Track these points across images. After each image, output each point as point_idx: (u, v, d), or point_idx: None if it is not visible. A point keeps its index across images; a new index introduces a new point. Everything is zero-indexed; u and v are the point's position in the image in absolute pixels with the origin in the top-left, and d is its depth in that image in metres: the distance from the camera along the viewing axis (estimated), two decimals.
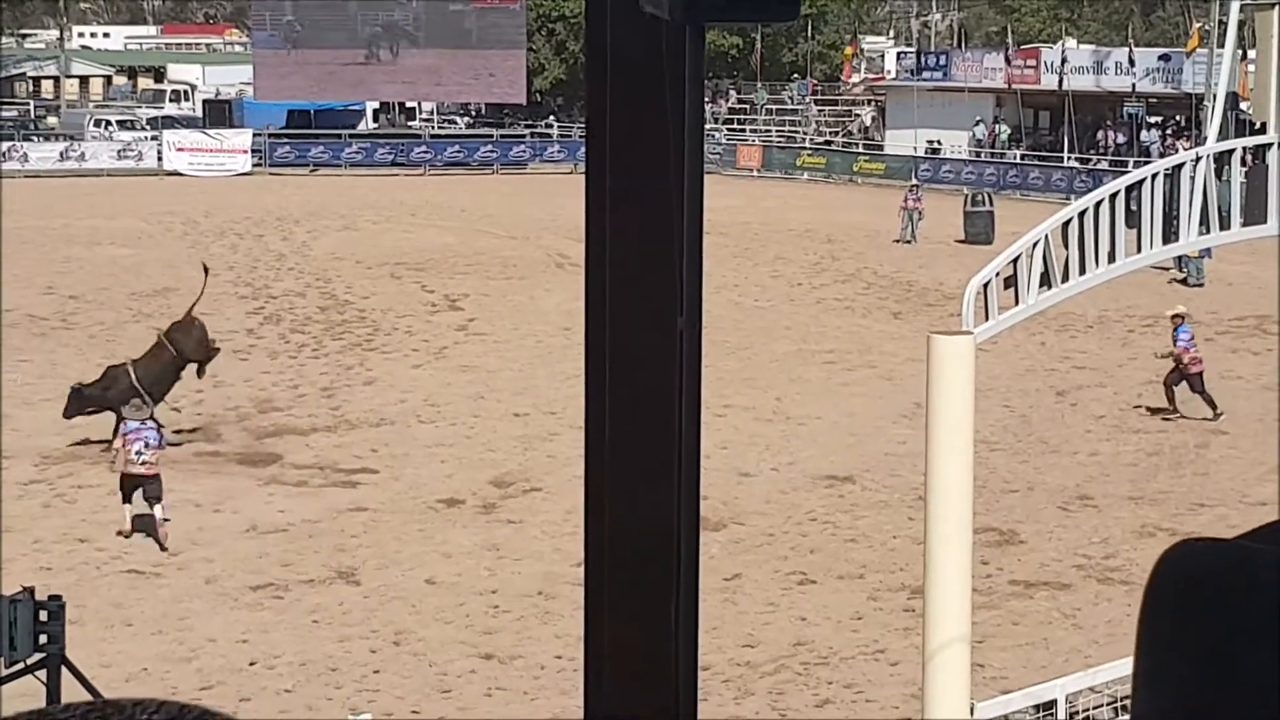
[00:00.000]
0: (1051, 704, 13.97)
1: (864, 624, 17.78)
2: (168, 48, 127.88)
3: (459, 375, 29.28)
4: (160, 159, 65.41)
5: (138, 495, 20.32)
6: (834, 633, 17.51)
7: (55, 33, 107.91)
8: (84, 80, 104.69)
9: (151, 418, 21.41)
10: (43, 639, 4.82)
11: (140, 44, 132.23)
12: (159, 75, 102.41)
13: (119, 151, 66.38)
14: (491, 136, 72.48)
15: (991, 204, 48.40)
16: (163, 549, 19.80)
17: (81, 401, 23.99)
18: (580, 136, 72.46)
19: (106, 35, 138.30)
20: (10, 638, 4.86)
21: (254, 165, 65.76)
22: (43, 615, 4.88)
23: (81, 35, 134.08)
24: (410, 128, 75.27)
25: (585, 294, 2.72)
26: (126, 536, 20.18)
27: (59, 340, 31.88)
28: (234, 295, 37.55)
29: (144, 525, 20.31)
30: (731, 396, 26.13)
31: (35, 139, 70.02)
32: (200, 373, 25.35)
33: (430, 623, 17.32)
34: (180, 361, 25.00)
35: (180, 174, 64.19)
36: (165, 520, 20.22)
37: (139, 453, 20.56)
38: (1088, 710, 14.25)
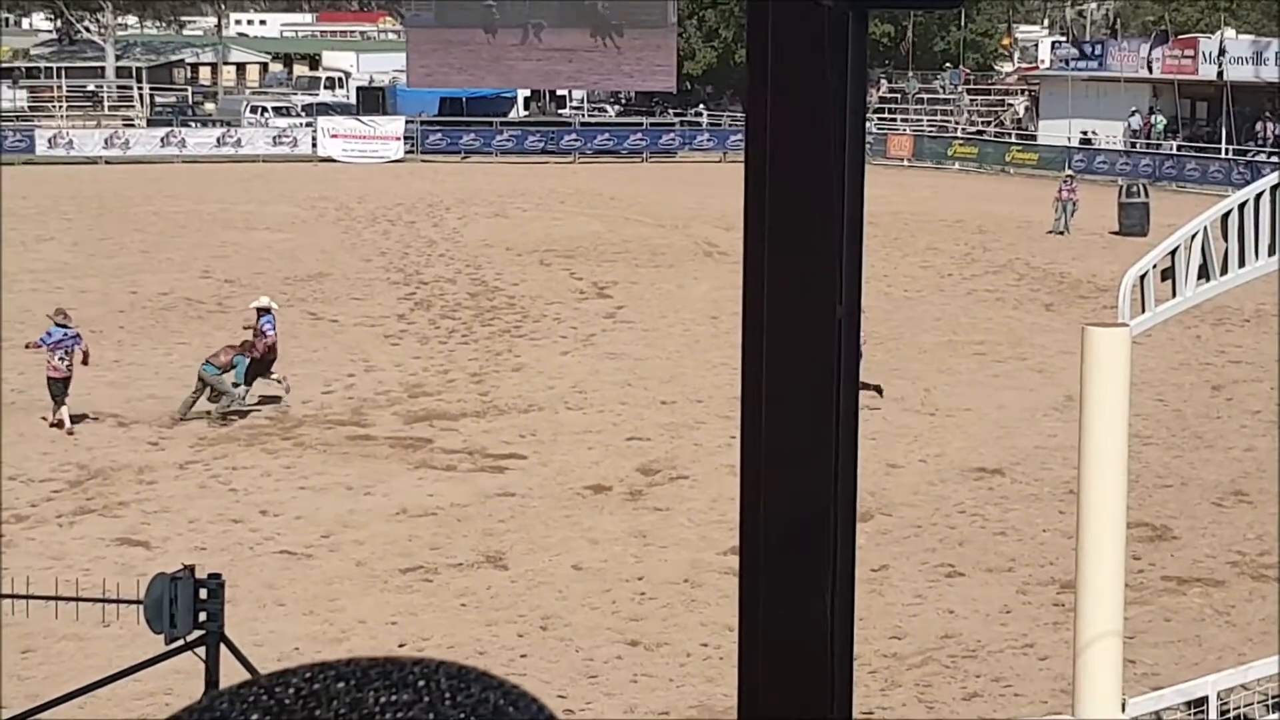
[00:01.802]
0: (1203, 701, 13.78)
1: (1013, 617, 17.63)
2: (323, 35, 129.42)
3: (607, 362, 29.37)
4: (315, 145, 66.16)
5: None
6: (982, 626, 17.37)
7: (213, 20, 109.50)
8: (241, 67, 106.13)
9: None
10: (202, 616, 4.91)
11: (296, 31, 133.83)
12: (314, 62, 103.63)
13: (274, 138, 67.22)
14: (641, 124, 72.57)
15: (1147, 195, 47.75)
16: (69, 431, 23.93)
17: None
18: (730, 125, 72.46)
19: (263, 23, 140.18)
20: (171, 615, 4.96)
21: (406, 152, 66.32)
22: (202, 593, 4.97)
23: (239, 23, 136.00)
24: (561, 116, 75.56)
25: (743, 280, 2.71)
26: (59, 425, 24.12)
27: (214, 323, 32.33)
28: (386, 281, 37.92)
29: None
30: (894, 388, 26.00)
31: (193, 125, 71.08)
32: None
33: (577, 608, 17.39)
34: None
35: (334, 160, 64.88)
36: (74, 418, 24.32)
37: (62, 358, 24.54)
38: (1239, 708, 14.04)
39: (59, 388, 24.70)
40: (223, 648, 5.00)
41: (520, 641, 16.62)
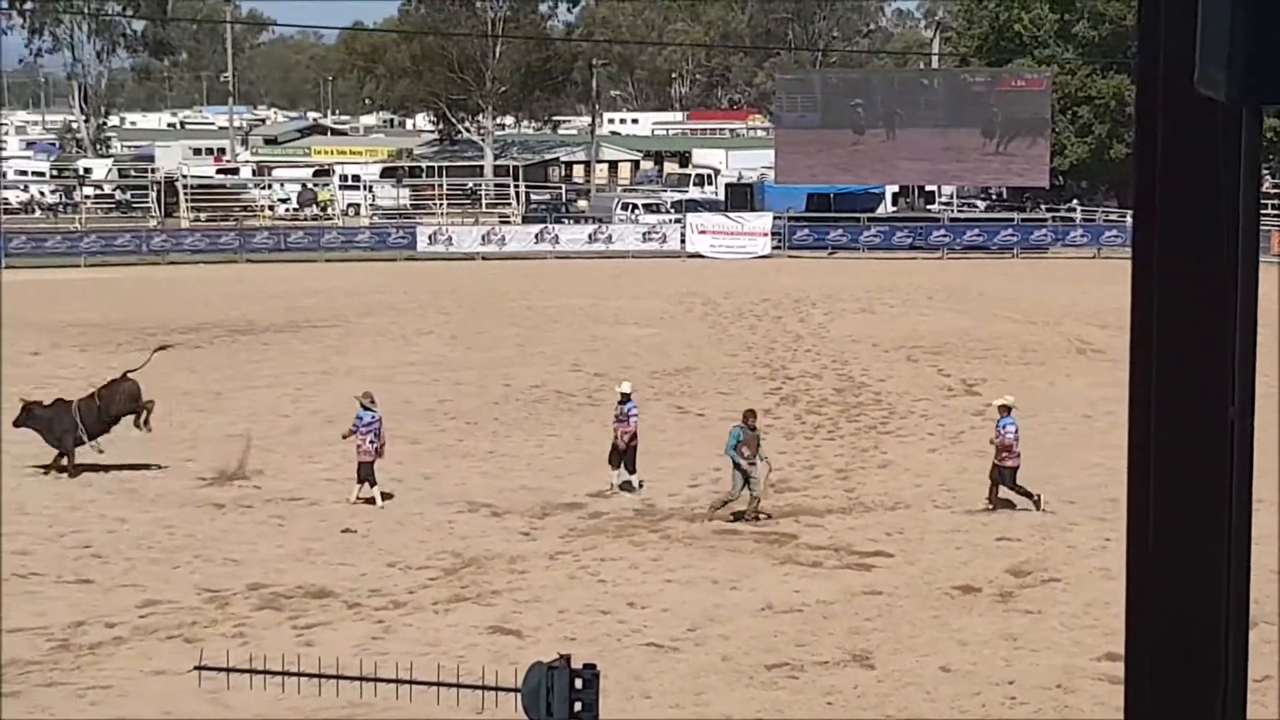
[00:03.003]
0: None
1: None
2: (693, 133, 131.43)
3: (975, 461, 28.94)
4: (683, 241, 67.13)
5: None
6: None
7: (587, 119, 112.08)
8: (613, 165, 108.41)
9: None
10: (577, 706, 4.99)
11: (667, 129, 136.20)
12: (684, 160, 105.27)
13: (644, 234, 68.42)
14: (1012, 220, 71.83)
15: None
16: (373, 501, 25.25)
17: (30, 419, 28.02)
18: (1104, 221, 71.23)
19: (635, 121, 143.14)
20: (548, 703, 5.06)
21: (773, 248, 66.80)
22: (577, 683, 5.06)
23: (612, 121, 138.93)
24: (929, 211, 75.27)
25: (1130, 379, 2.65)
26: (354, 502, 25.27)
27: (584, 416, 32.94)
28: (752, 375, 38.14)
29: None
30: (1267, 490, 25.08)
31: (566, 221, 72.79)
32: (139, 425, 28.26)
33: (945, 710, 17.12)
34: (107, 413, 28.19)
35: (702, 256, 65.71)
36: (386, 495, 25.50)
37: (372, 442, 25.36)
38: None
39: (368, 470, 25.45)
40: None
41: None
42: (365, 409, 25.75)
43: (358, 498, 25.42)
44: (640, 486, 26.42)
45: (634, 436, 26.68)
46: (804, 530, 24.26)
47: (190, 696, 16.29)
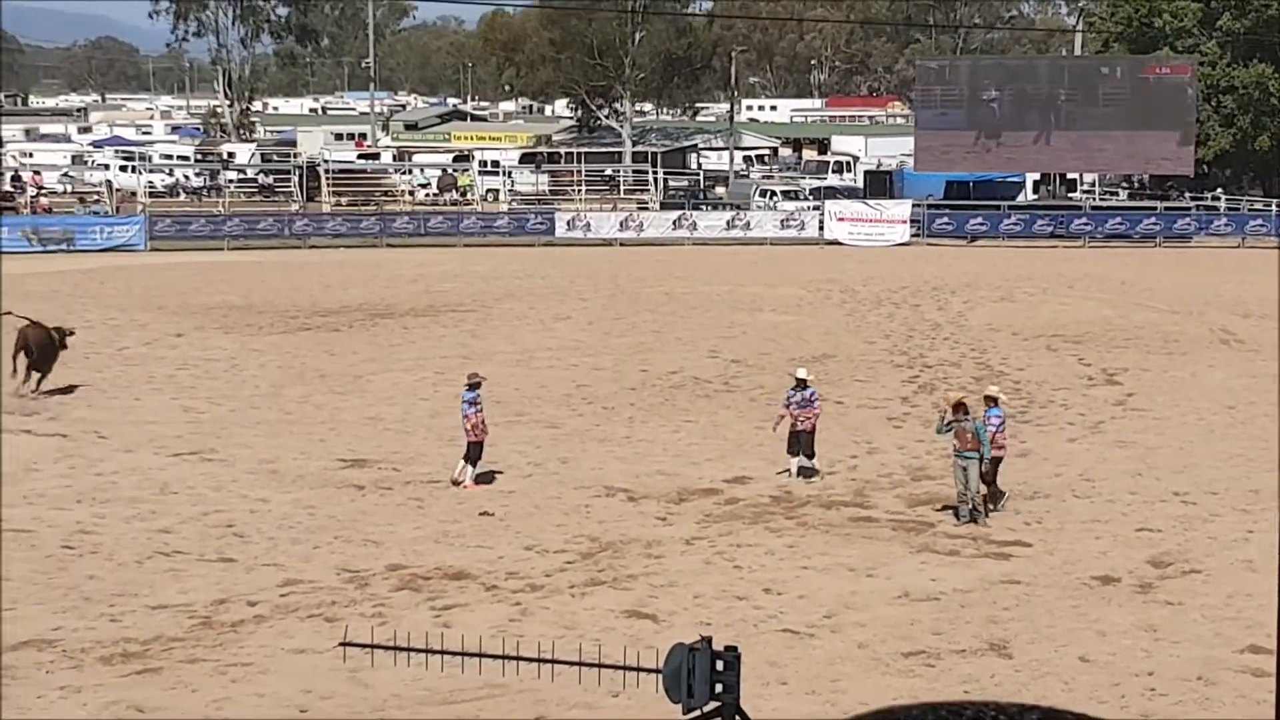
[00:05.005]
0: None
1: None
2: (832, 120, 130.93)
3: (1116, 451, 28.69)
4: (821, 228, 66.90)
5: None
6: None
7: (726, 106, 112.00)
8: (751, 151, 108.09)
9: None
10: (718, 688, 5.01)
11: (805, 116, 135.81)
12: (823, 147, 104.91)
13: (782, 221, 68.26)
14: (1155, 209, 70.92)
15: None
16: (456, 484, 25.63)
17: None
18: (1249, 210, 70.20)
19: (773, 108, 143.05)
20: (689, 685, 5.08)
21: (912, 235, 66.42)
22: (719, 665, 5.07)
23: (750, 108, 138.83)
24: (1070, 199, 74.48)
25: None
26: (457, 485, 25.57)
27: (721, 402, 32.96)
28: (889, 363, 37.96)
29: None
30: None
31: (704, 208, 72.76)
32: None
33: (1083, 701, 16.96)
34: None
35: (839, 243, 65.47)
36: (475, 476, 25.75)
37: (465, 419, 25.69)
38: None
39: (470, 450, 25.78)
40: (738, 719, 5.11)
41: None
42: (466, 389, 26.09)
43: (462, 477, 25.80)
44: (816, 474, 26.30)
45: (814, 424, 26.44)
46: (941, 518, 24.14)
47: (329, 674, 16.53)
